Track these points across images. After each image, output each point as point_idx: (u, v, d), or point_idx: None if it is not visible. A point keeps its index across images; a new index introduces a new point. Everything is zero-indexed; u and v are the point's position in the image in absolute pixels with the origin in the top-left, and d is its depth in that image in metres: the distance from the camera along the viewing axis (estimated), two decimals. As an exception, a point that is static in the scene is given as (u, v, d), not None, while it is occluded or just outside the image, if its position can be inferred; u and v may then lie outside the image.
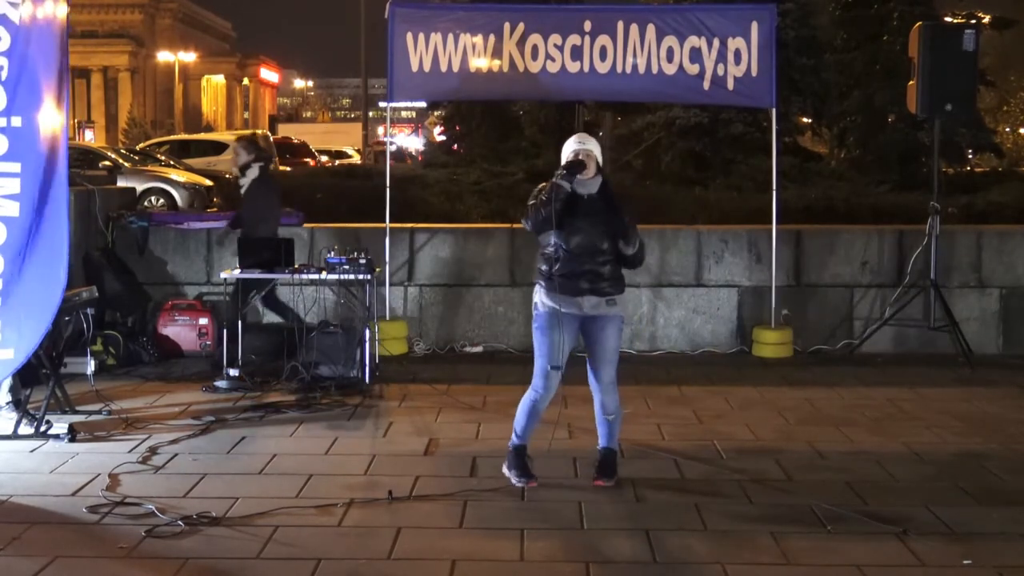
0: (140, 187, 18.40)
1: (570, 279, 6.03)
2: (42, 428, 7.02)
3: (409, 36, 9.81)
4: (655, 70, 9.78)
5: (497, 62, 9.85)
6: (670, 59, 9.77)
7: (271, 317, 10.12)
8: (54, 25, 6.91)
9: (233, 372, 8.59)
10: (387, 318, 9.97)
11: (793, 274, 10.31)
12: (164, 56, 76.59)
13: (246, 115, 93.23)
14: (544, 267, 6.15)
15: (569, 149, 6.08)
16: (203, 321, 9.87)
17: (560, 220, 5.97)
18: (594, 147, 6.09)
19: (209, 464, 6.50)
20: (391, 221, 10.05)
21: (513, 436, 6.24)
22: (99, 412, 7.58)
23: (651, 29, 9.77)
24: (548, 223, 5.97)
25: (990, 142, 27.48)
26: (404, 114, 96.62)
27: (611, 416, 6.26)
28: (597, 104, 23.72)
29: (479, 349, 10.18)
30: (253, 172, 9.45)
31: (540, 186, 6.11)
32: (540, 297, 6.15)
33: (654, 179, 23.20)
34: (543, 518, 5.60)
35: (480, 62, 9.87)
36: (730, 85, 9.82)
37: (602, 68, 9.80)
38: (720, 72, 9.77)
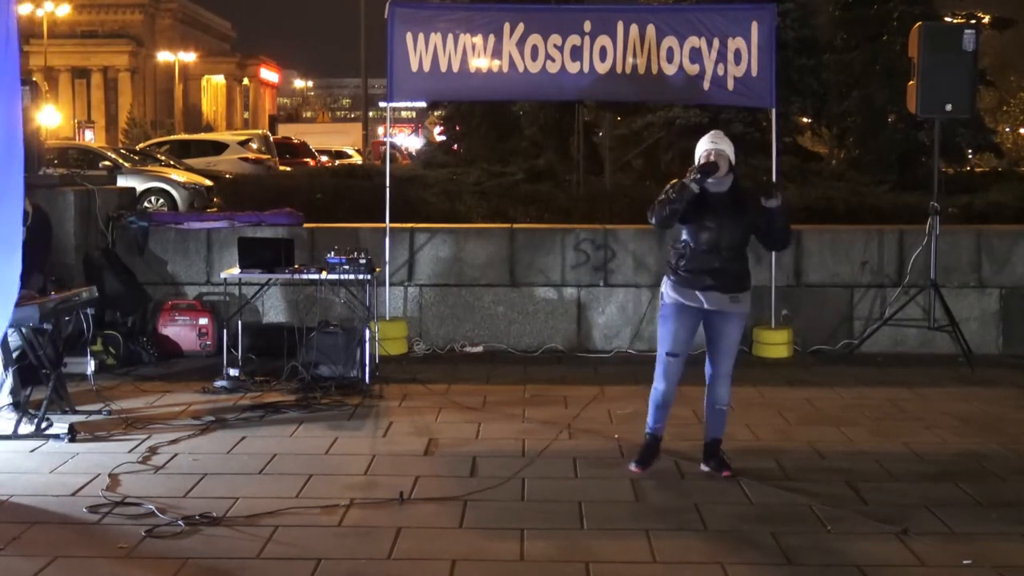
0: (140, 187, 18.41)
1: (695, 275, 6.26)
2: (42, 428, 7.03)
3: (409, 36, 9.81)
4: (655, 70, 9.78)
5: (497, 62, 9.85)
6: (670, 59, 9.77)
7: (271, 317, 10.13)
8: (10, 20, 6.75)
9: (233, 372, 8.59)
10: (387, 318, 9.97)
11: (793, 274, 10.31)
12: (164, 56, 76.63)
13: (246, 115, 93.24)
14: (672, 261, 6.36)
15: (702, 148, 6.29)
16: (203, 321, 9.87)
17: (688, 216, 6.22)
18: (727, 147, 6.30)
19: (209, 464, 6.50)
20: (391, 221, 10.05)
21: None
22: (99, 412, 7.58)
23: (651, 29, 9.77)
24: (671, 220, 6.24)
25: (990, 142, 27.42)
26: (404, 114, 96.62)
27: (722, 406, 6.45)
28: (597, 104, 23.71)
29: (479, 349, 10.18)
30: None
31: (672, 182, 6.30)
32: (666, 289, 6.37)
33: (654, 179, 23.14)
34: (543, 518, 5.60)
35: (480, 62, 9.86)
36: (730, 85, 9.82)
37: (602, 68, 9.80)
38: (720, 72, 9.77)
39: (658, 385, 6.43)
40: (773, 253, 9.88)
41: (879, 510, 5.72)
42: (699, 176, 6.13)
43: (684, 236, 6.31)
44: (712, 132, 6.45)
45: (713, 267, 6.22)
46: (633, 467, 6.40)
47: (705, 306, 6.28)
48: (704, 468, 6.39)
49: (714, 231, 6.22)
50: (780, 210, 6.24)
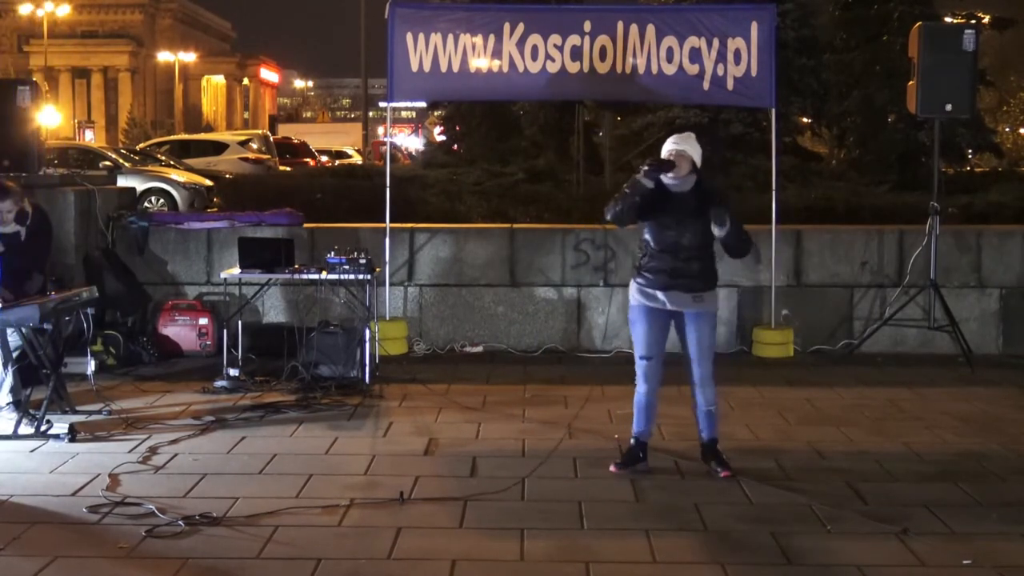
0: (140, 187, 18.41)
1: (656, 274, 6.27)
2: (42, 428, 7.03)
3: (409, 36, 9.81)
4: (655, 70, 9.78)
5: (497, 62, 9.84)
6: (670, 59, 9.76)
7: (271, 317, 10.13)
8: None
9: (233, 372, 8.59)
10: (387, 318, 9.97)
11: (793, 274, 10.31)
12: (164, 56, 76.64)
13: (246, 115, 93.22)
14: (636, 262, 6.42)
15: (664, 149, 6.26)
16: (203, 321, 9.87)
17: (647, 215, 6.23)
18: (690, 147, 6.25)
19: (209, 464, 6.50)
20: (391, 221, 10.05)
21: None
22: (99, 412, 7.58)
23: (651, 29, 9.77)
24: (625, 216, 6.25)
25: (990, 142, 27.40)
26: (404, 114, 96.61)
27: (711, 407, 6.42)
28: (597, 104, 23.71)
29: (479, 349, 10.18)
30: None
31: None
32: (631, 291, 6.40)
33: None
34: (543, 518, 5.60)
35: (480, 62, 9.86)
36: (730, 85, 9.82)
37: (602, 68, 9.79)
38: (720, 72, 9.77)
39: (639, 387, 6.44)
40: (773, 253, 9.91)
41: (879, 510, 5.72)
42: (647, 170, 6.12)
43: (646, 235, 6.34)
44: (677, 134, 6.43)
45: (674, 267, 6.23)
46: (612, 467, 6.40)
47: (668, 306, 6.28)
48: (728, 473, 6.32)
49: (674, 231, 6.21)
50: (730, 231, 6.17)
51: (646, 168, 6.14)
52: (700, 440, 6.51)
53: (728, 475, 6.27)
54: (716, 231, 6.14)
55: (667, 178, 6.19)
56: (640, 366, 6.39)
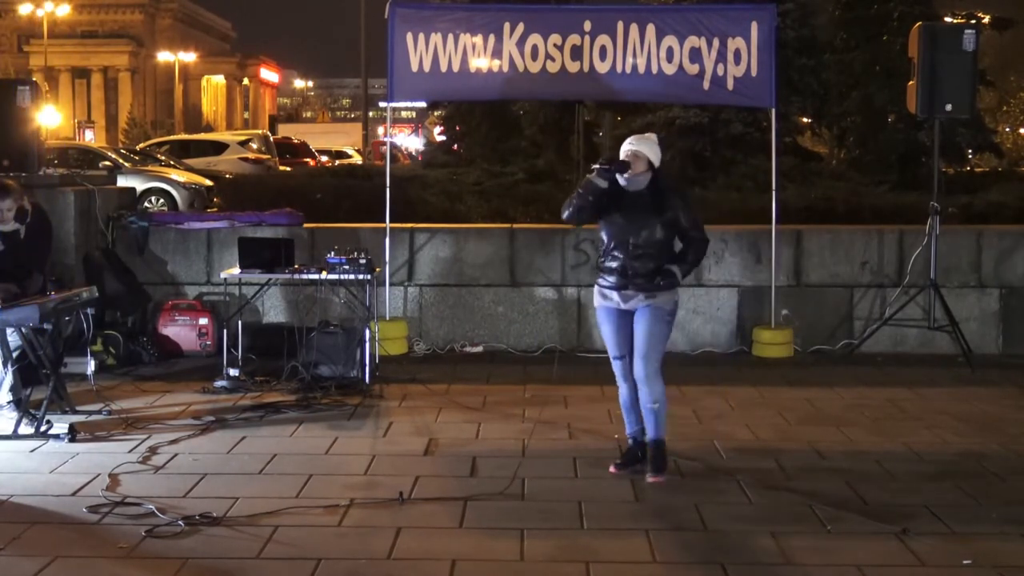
0: (140, 187, 18.41)
1: (610, 274, 6.30)
2: (42, 428, 7.03)
3: (409, 36, 9.81)
4: (655, 70, 9.78)
5: (497, 62, 9.85)
6: (670, 59, 9.76)
7: (271, 317, 10.13)
8: None
9: (233, 372, 8.59)
10: (387, 318, 9.97)
11: (793, 274, 10.31)
12: (164, 56, 76.69)
13: (246, 115, 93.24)
14: (596, 262, 6.49)
15: (621, 149, 6.30)
16: (203, 321, 9.87)
17: (604, 215, 6.25)
18: (646, 148, 6.27)
19: (209, 464, 6.51)
20: (391, 221, 10.05)
21: None
22: (99, 412, 7.58)
23: (651, 29, 9.77)
24: (579, 215, 6.26)
25: (990, 142, 27.39)
26: (404, 114, 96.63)
27: (652, 405, 6.31)
28: (597, 104, 23.70)
29: (479, 349, 10.18)
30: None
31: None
32: (594, 292, 6.44)
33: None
34: (543, 518, 5.60)
35: (480, 62, 9.86)
36: (730, 85, 9.82)
37: (602, 68, 9.80)
38: (720, 72, 9.76)
39: (620, 388, 6.42)
40: (773, 253, 9.91)
41: (879, 510, 5.72)
42: (599, 169, 6.16)
43: (602, 234, 6.37)
44: (637, 134, 6.45)
45: (626, 265, 6.22)
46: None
47: (622, 306, 6.29)
48: (657, 479, 6.19)
49: (627, 229, 6.22)
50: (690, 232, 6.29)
51: (598, 168, 6.19)
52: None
53: (656, 481, 6.15)
54: (686, 233, 6.27)
55: (622, 178, 6.22)
56: (615, 366, 6.39)
